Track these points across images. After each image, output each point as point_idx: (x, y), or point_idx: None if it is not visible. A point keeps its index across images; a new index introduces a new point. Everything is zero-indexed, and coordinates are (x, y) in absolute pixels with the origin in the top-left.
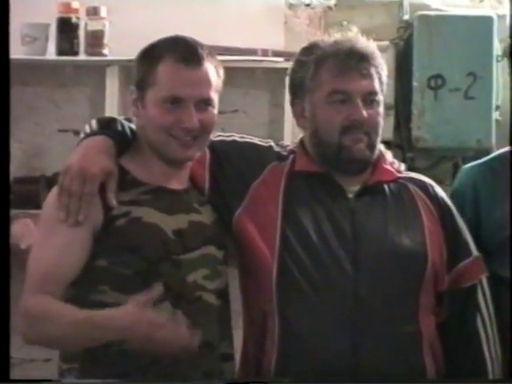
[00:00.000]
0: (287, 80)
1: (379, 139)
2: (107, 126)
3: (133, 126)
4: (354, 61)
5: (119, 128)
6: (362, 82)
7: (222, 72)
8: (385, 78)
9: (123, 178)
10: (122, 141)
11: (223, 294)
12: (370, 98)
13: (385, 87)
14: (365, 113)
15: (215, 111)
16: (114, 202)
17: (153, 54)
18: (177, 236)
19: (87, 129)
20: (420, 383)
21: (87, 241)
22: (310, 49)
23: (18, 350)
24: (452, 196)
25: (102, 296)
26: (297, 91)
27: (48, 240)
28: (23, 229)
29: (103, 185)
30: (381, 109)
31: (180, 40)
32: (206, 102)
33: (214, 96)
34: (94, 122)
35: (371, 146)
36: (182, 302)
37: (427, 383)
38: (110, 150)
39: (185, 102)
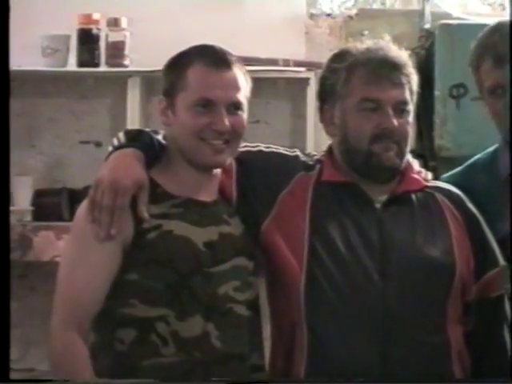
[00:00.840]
0: (311, 88)
1: (408, 148)
2: (135, 138)
3: (160, 137)
4: (386, 69)
5: (147, 140)
6: (393, 91)
7: (249, 79)
8: (415, 88)
9: (154, 190)
10: (151, 153)
11: (254, 306)
12: (400, 108)
13: (415, 97)
14: (395, 122)
15: (245, 116)
16: (145, 214)
17: (182, 61)
18: (208, 248)
19: (115, 142)
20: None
21: (118, 255)
22: (342, 55)
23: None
24: None
25: (132, 309)
26: (326, 97)
27: (80, 256)
28: (45, 241)
29: (134, 197)
30: (410, 118)
31: (208, 47)
32: (237, 106)
33: (244, 100)
34: (121, 135)
35: (400, 155)
36: (213, 315)
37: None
38: (140, 162)
39: (216, 105)
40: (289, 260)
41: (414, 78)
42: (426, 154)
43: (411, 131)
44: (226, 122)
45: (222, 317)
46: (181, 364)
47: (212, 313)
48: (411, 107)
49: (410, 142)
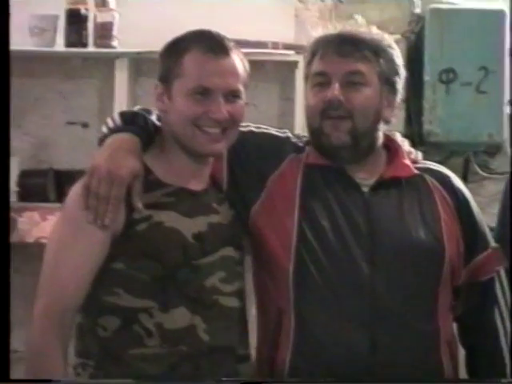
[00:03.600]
0: (300, 71)
1: (371, 123)
2: (131, 120)
3: (154, 118)
4: (336, 44)
5: (142, 123)
6: (341, 64)
7: (247, 65)
8: (396, 67)
9: (146, 177)
10: (146, 137)
11: (240, 296)
12: (351, 80)
13: (397, 76)
14: (336, 92)
15: (243, 104)
16: (139, 205)
17: (178, 46)
18: (196, 240)
19: (110, 123)
20: (436, 383)
21: (106, 244)
22: (314, 41)
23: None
24: None
25: (116, 298)
26: (305, 80)
27: (70, 242)
28: (30, 222)
29: (128, 187)
30: (370, 92)
31: (206, 32)
32: (235, 94)
33: (242, 88)
34: (117, 117)
35: (355, 131)
36: (199, 308)
37: (442, 383)
38: (137, 149)
39: (213, 93)
40: (277, 246)
41: (394, 56)
42: (415, 139)
43: (374, 105)
44: (224, 110)
45: (209, 309)
46: (167, 356)
47: (198, 305)
48: (371, 81)
49: (373, 116)
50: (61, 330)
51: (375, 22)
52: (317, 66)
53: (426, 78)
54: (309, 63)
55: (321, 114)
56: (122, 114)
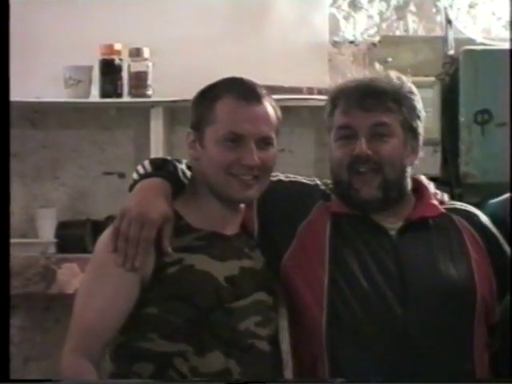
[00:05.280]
0: None
1: (400, 173)
2: (161, 167)
3: (184, 167)
4: (357, 97)
5: (172, 170)
6: (365, 117)
7: (279, 113)
8: (418, 112)
9: (177, 223)
10: (176, 183)
11: (275, 340)
12: (377, 132)
13: (418, 121)
14: (364, 147)
15: (275, 151)
16: (168, 249)
17: (211, 94)
18: (229, 283)
19: (141, 169)
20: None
21: (136, 287)
22: (332, 90)
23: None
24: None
25: (151, 344)
26: (327, 131)
27: (97, 285)
28: (69, 273)
29: (158, 230)
30: (396, 142)
31: (238, 79)
32: (267, 141)
33: (274, 135)
34: (147, 163)
35: (385, 184)
36: (234, 351)
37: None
38: (167, 193)
39: (245, 140)
40: (309, 295)
41: (415, 101)
42: (452, 182)
43: (400, 155)
44: (256, 157)
45: (244, 353)
46: None
47: (233, 349)
48: (395, 131)
49: (403, 168)
50: (90, 364)
51: (409, 64)
52: (340, 119)
53: (462, 119)
54: (330, 114)
55: (348, 168)
56: (153, 161)
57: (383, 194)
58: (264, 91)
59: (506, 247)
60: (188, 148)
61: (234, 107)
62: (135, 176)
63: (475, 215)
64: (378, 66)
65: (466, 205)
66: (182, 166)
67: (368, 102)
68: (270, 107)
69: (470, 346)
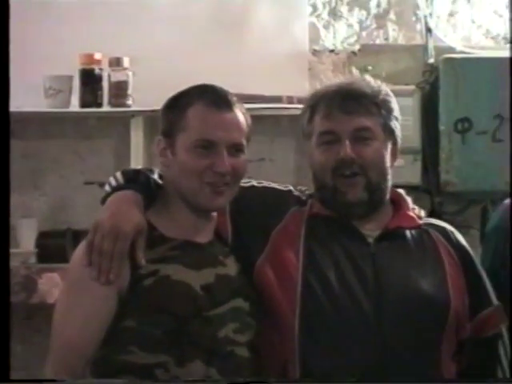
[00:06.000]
0: None
1: (384, 177)
2: (133, 179)
3: (156, 176)
4: (338, 101)
5: (144, 181)
6: (349, 121)
7: (250, 121)
8: (395, 115)
9: (150, 234)
10: (148, 194)
11: (254, 346)
12: (361, 135)
13: (396, 123)
14: (348, 150)
15: (246, 158)
16: (143, 261)
17: (182, 101)
18: (205, 291)
19: (113, 182)
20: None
21: (113, 300)
22: (311, 96)
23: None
24: (492, 231)
25: (132, 357)
26: (304, 138)
27: (75, 300)
28: (50, 283)
29: (132, 243)
30: (378, 145)
31: (209, 86)
32: (238, 148)
33: (245, 142)
34: (119, 175)
35: (370, 187)
36: (214, 359)
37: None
38: (139, 205)
39: (217, 146)
40: (282, 298)
41: (388, 105)
42: (432, 190)
43: (383, 159)
44: (227, 163)
45: (225, 360)
46: None
47: (213, 357)
48: (377, 134)
49: (387, 172)
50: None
51: (389, 73)
52: (322, 124)
53: (442, 127)
54: (309, 121)
55: (333, 172)
56: (124, 173)
57: (368, 197)
58: (235, 98)
59: (479, 267)
60: (159, 155)
61: (205, 114)
62: (107, 188)
63: (451, 232)
64: (358, 74)
65: (442, 221)
66: (155, 176)
67: (350, 105)
68: (240, 114)
69: (438, 357)
